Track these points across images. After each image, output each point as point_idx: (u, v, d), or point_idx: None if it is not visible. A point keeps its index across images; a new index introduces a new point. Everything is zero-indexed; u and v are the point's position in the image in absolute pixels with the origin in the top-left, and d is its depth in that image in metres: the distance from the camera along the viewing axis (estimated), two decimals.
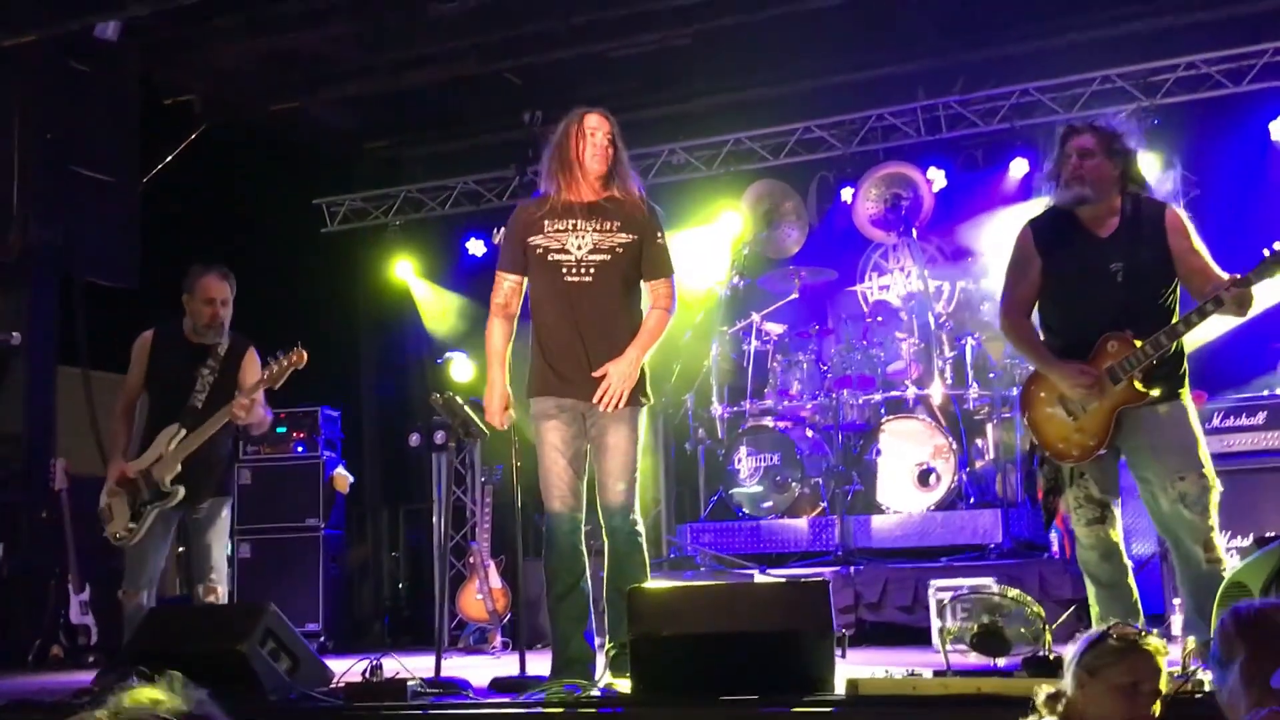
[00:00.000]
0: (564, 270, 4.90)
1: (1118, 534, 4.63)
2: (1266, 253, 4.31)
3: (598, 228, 4.90)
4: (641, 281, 5.01)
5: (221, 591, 5.91)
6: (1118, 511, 4.65)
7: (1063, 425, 4.57)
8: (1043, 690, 2.91)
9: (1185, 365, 4.59)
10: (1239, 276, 4.35)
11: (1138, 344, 4.43)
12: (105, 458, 6.10)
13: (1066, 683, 2.91)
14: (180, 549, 11.31)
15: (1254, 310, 4.45)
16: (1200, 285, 4.51)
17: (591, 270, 4.88)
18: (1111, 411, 4.47)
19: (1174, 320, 4.51)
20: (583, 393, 4.88)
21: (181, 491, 5.81)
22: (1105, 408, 4.48)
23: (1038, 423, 4.64)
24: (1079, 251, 4.62)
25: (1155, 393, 4.46)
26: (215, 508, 5.93)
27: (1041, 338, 4.75)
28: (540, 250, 4.93)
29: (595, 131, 4.90)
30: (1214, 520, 4.43)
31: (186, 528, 5.98)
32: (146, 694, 1.60)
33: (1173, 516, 4.46)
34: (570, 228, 4.91)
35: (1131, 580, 4.66)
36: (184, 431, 5.82)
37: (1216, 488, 4.44)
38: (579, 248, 4.89)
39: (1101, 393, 4.47)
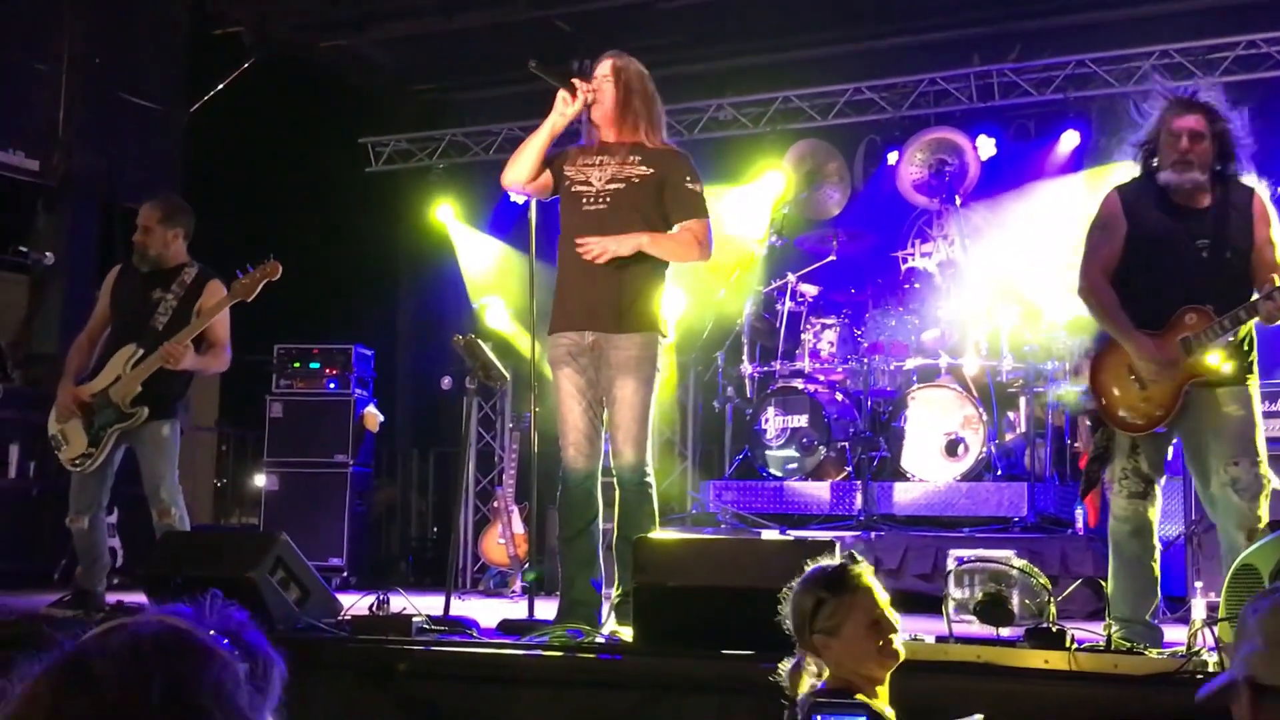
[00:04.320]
0: (583, 200, 4.97)
1: (1155, 513, 4.60)
2: None
3: (620, 161, 4.95)
4: (673, 225, 4.98)
5: (176, 514, 5.85)
6: (1159, 491, 4.62)
7: (1131, 394, 4.53)
8: (783, 670, 2.84)
9: (1255, 354, 4.56)
10: (1272, 290, 4.34)
11: (1215, 318, 4.41)
12: None
13: (810, 656, 2.82)
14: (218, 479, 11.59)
15: None
16: (1263, 279, 4.49)
17: (607, 199, 4.93)
18: (1182, 384, 4.44)
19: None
20: (595, 323, 4.89)
21: (145, 412, 5.80)
22: (1177, 379, 4.44)
23: (1105, 389, 4.60)
24: (1168, 223, 4.58)
25: (1228, 368, 4.43)
26: (153, 428, 5.87)
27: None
28: (568, 182, 5.01)
29: (597, 75, 4.97)
30: (1263, 511, 4.39)
31: (133, 451, 5.96)
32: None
33: (1221, 500, 4.44)
34: (597, 163, 4.99)
35: (1156, 561, 4.62)
36: (141, 352, 5.82)
37: (1271, 480, 4.43)
38: (599, 179, 4.95)
39: (1175, 365, 4.42)
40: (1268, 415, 6.00)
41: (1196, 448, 4.53)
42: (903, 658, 2.80)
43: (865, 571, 2.86)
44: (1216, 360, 4.41)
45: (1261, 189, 4.66)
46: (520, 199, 9.92)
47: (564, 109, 4.93)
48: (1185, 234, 4.55)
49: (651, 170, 4.91)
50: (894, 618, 2.81)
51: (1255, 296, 4.40)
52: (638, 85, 4.97)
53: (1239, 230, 4.53)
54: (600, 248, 4.82)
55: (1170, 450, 4.64)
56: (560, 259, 5.03)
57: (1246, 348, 4.52)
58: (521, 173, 4.98)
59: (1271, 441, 5.90)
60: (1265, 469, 4.42)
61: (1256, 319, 4.41)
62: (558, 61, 5.28)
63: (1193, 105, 4.60)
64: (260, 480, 9.18)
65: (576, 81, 4.92)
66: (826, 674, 2.81)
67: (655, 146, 5.00)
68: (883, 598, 2.82)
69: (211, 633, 1.41)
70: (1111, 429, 4.60)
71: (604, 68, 4.99)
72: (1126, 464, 4.56)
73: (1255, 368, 4.56)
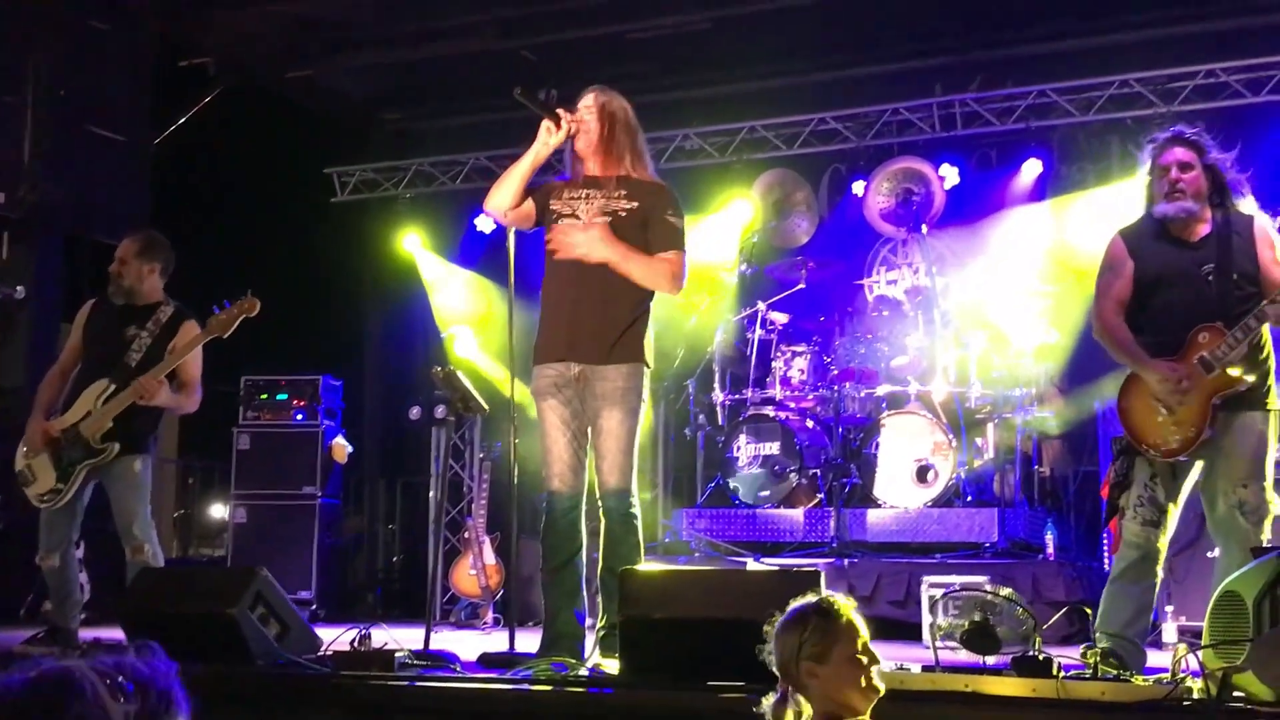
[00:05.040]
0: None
1: (1164, 542, 4.66)
2: None
3: (607, 195, 4.97)
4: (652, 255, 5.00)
5: (149, 551, 5.79)
6: (1173, 521, 4.68)
7: (1161, 422, 4.59)
8: (766, 705, 2.87)
9: (1272, 379, 4.63)
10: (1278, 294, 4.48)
11: (1228, 332, 4.49)
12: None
13: (793, 682, 2.82)
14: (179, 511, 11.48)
15: None
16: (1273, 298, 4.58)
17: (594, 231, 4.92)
18: (1207, 400, 4.51)
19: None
20: (581, 355, 4.90)
21: (115, 448, 5.76)
22: (1201, 397, 4.51)
23: (1137, 421, 4.66)
24: (1172, 254, 4.70)
25: (1250, 378, 4.51)
26: (125, 464, 5.82)
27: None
28: (554, 215, 5.01)
29: (580, 108, 4.99)
30: (1266, 535, 4.46)
31: (104, 487, 5.91)
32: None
33: (1226, 521, 4.51)
34: (583, 196, 5.00)
35: (1156, 590, 4.69)
36: (113, 387, 5.78)
37: (1275, 505, 4.50)
38: (586, 213, 4.96)
39: (1194, 385, 4.50)
40: None
41: (1209, 470, 4.60)
42: (883, 693, 2.82)
43: (849, 606, 2.89)
44: (1237, 372, 4.49)
45: (1262, 215, 4.76)
46: (491, 226, 10.01)
47: (547, 138, 4.95)
48: (1190, 263, 4.66)
49: (637, 204, 4.93)
50: (875, 653, 2.85)
51: (1245, 320, 4.50)
52: (621, 119, 4.99)
53: (1242, 254, 4.63)
54: (573, 244, 4.85)
55: (1187, 482, 4.68)
56: (545, 291, 5.04)
57: (1264, 374, 4.58)
58: (505, 200, 5.00)
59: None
60: (1270, 494, 4.50)
61: (1268, 324, 4.51)
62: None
63: (1179, 140, 4.76)
64: (222, 512, 9.12)
65: (561, 111, 4.94)
66: (809, 714, 2.82)
67: (641, 179, 5.01)
68: (864, 632, 2.86)
69: (119, 678, 1.63)
70: (1132, 457, 4.68)
71: (587, 100, 5.01)
72: (1143, 492, 4.64)
73: (1274, 393, 4.62)
